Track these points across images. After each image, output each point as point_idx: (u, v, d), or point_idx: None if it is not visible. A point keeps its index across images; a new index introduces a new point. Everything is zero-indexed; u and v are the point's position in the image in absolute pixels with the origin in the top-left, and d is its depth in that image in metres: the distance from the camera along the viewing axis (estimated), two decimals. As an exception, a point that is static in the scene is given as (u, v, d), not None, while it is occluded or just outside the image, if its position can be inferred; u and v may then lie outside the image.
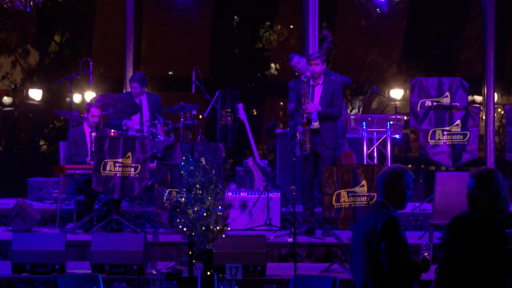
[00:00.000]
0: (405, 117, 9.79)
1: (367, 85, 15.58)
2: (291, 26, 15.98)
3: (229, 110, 10.33)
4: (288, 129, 9.78)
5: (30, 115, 15.27)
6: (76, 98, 14.41)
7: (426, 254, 4.86)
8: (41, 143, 15.34)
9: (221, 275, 5.22)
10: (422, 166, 14.74)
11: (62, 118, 14.23)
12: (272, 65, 16.13)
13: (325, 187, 8.07)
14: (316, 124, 8.72)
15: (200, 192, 5.00)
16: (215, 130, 10.20)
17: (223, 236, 5.05)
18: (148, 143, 8.74)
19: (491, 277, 4.63)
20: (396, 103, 10.98)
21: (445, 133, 9.34)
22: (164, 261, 7.99)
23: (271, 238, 8.45)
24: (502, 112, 14.15)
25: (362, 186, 7.96)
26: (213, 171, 5.12)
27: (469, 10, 14.85)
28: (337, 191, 8.01)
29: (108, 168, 8.66)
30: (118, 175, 8.66)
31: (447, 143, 9.34)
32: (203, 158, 5.11)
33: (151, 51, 15.16)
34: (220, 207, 5.03)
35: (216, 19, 15.26)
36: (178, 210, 5.07)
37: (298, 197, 8.91)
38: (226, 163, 12.97)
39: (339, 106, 8.81)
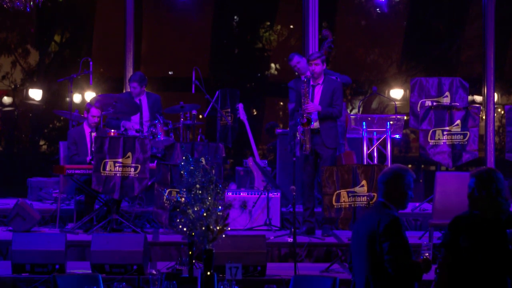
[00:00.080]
0: (405, 117, 9.79)
1: (367, 85, 15.58)
2: (291, 26, 15.98)
3: (229, 110, 10.33)
4: (288, 129, 9.78)
5: (30, 115, 15.27)
6: (76, 98, 14.41)
7: (427, 254, 4.86)
8: (41, 143, 15.34)
9: (221, 275, 5.22)
10: (422, 166, 14.74)
11: (62, 118, 14.23)
12: (272, 65, 16.13)
13: (325, 187, 8.07)
14: (316, 124, 8.72)
15: (200, 192, 5.00)
16: (215, 130, 10.20)
17: (223, 236, 5.05)
18: (148, 143, 8.74)
19: (491, 277, 4.63)
20: (396, 103, 10.99)
21: (445, 133, 9.34)
22: (164, 261, 7.99)
23: (271, 238, 8.45)
24: (502, 112, 14.15)
25: (362, 186, 7.97)
26: (213, 171, 5.12)
27: (469, 10, 14.85)
28: (337, 191, 8.02)
29: (108, 168, 8.66)
30: (118, 175, 8.66)
31: (447, 143, 9.34)
32: (203, 158, 5.11)
33: (151, 51, 15.16)
34: (220, 207, 5.03)
35: (216, 19, 15.26)
36: (178, 210, 5.07)
37: (298, 197, 8.91)
38: (226, 163, 12.97)
39: (339, 106, 8.80)
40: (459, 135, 9.33)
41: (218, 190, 5.06)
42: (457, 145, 9.33)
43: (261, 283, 6.71)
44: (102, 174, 8.65)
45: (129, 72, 11.33)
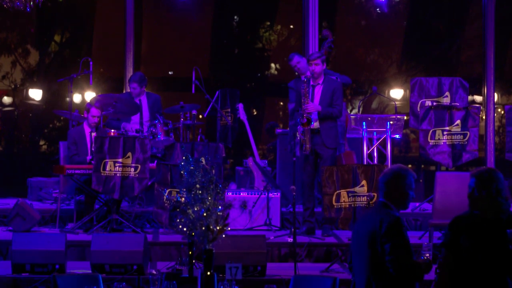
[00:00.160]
0: (405, 117, 9.78)
1: (367, 85, 15.58)
2: (291, 26, 15.98)
3: (229, 110, 10.33)
4: (288, 129, 9.78)
5: (30, 115, 15.27)
6: (76, 98, 14.41)
7: (428, 255, 4.87)
8: (41, 143, 15.34)
9: (221, 275, 5.22)
10: (422, 166, 14.74)
11: (62, 118, 14.23)
12: (272, 65, 16.13)
13: (325, 187, 8.06)
14: (316, 124, 8.72)
15: (200, 192, 5.00)
16: (215, 130, 10.20)
17: (223, 236, 5.05)
18: (148, 143, 8.74)
19: (491, 277, 4.63)
20: (396, 103, 10.98)
21: (445, 133, 9.34)
22: (164, 261, 7.99)
23: (271, 238, 8.45)
24: (502, 112, 14.15)
25: (362, 186, 7.96)
26: (213, 171, 5.12)
27: (469, 10, 14.85)
28: (337, 191, 8.01)
29: (108, 168, 8.66)
30: (118, 175, 8.66)
31: (447, 143, 9.34)
32: (203, 158, 5.11)
33: (151, 51, 15.16)
34: (220, 207, 5.03)
35: (216, 19, 15.26)
36: (178, 210, 5.07)
37: (298, 197, 8.91)
38: (226, 163, 12.97)
39: (339, 106, 8.80)
40: (459, 135, 9.32)
41: (218, 190, 5.06)
42: (457, 145, 9.33)
43: (261, 283, 6.70)
44: (102, 174, 8.65)
45: (129, 72, 11.33)
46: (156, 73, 15.25)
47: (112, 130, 9.10)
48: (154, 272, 5.51)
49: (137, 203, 9.77)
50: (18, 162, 14.48)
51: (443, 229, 8.47)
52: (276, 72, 16.08)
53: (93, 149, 8.80)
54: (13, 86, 15.05)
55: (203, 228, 4.96)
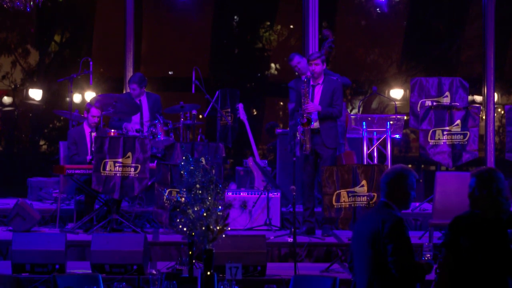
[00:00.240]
0: (405, 117, 9.78)
1: (367, 85, 15.58)
2: (291, 26, 15.98)
3: (229, 110, 10.33)
4: (288, 129, 9.78)
5: (30, 115, 15.27)
6: (76, 98, 14.41)
7: (429, 255, 4.87)
8: (41, 143, 15.34)
9: (221, 275, 5.22)
10: (422, 166, 14.74)
11: (62, 118, 14.23)
12: (272, 65, 16.12)
13: (325, 187, 8.06)
14: (316, 124, 8.72)
15: (200, 192, 5.00)
16: (215, 130, 10.20)
17: (223, 236, 5.05)
18: (148, 143, 8.73)
19: (492, 277, 4.62)
20: (396, 103, 10.98)
21: (445, 133, 9.34)
22: (164, 261, 7.99)
23: (271, 238, 8.45)
24: (502, 112, 14.15)
25: (362, 186, 7.96)
26: (213, 171, 5.12)
27: (469, 10, 14.85)
28: (337, 191, 8.01)
29: (108, 168, 8.66)
30: (118, 175, 8.66)
31: (447, 143, 9.33)
32: (203, 158, 5.11)
33: (151, 51, 15.15)
34: (220, 207, 5.03)
35: (216, 19, 15.25)
36: (178, 210, 5.07)
37: (298, 197, 8.91)
38: (226, 163, 12.97)
39: (339, 106, 8.80)
40: (459, 135, 9.32)
41: (218, 190, 5.06)
42: (457, 145, 9.33)
43: (261, 283, 6.70)
44: (102, 174, 8.65)
45: (129, 72, 11.33)
46: (156, 73, 15.25)
47: (112, 130, 9.10)
48: (154, 272, 5.51)
49: (137, 203, 9.77)
50: (18, 162, 14.48)
51: (443, 229, 8.47)
52: (276, 72, 16.08)
53: (93, 149, 8.80)
54: (13, 86, 15.05)
55: (203, 228, 4.96)
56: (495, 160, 11.43)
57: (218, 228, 4.99)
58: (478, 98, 13.96)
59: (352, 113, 10.95)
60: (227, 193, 9.26)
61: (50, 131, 15.36)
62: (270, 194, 9.31)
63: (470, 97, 13.00)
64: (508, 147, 9.59)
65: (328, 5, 13.53)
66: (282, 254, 8.29)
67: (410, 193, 4.89)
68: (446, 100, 9.88)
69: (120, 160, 8.67)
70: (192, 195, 5.01)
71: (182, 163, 5.09)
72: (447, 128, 9.34)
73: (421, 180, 13.07)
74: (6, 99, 15.09)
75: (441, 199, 8.36)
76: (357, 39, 15.74)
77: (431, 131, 9.34)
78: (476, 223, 4.68)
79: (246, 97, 12.10)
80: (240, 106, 10.40)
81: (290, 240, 8.19)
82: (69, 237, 7.75)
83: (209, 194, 5.01)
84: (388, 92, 14.89)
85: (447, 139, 9.33)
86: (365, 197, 7.89)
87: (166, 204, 8.33)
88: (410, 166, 14.50)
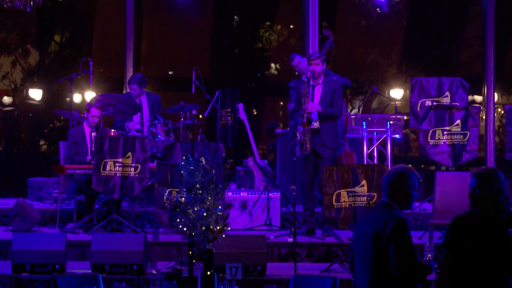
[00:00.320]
0: (405, 117, 9.78)
1: (367, 85, 15.58)
2: (291, 26, 15.98)
3: (229, 110, 10.33)
4: (288, 129, 9.78)
5: (30, 115, 15.27)
6: (76, 98, 14.41)
7: (430, 255, 4.88)
8: (41, 143, 15.34)
9: (221, 275, 5.22)
10: (422, 166, 14.74)
11: (62, 118, 14.23)
12: (272, 65, 16.12)
13: (325, 187, 8.06)
14: (316, 124, 8.72)
15: (200, 192, 5.00)
16: (215, 130, 10.20)
17: (223, 236, 5.04)
18: (148, 143, 8.73)
19: (492, 277, 4.62)
20: (396, 103, 10.99)
21: (445, 133, 9.34)
22: (164, 261, 7.99)
23: (271, 238, 8.45)
24: (502, 112, 14.15)
25: (362, 186, 7.96)
26: (213, 171, 5.12)
27: (469, 10, 14.85)
28: (337, 191, 8.01)
29: (108, 168, 8.66)
30: (118, 175, 8.66)
31: (447, 143, 9.33)
32: (203, 158, 5.11)
33: (151, 51, 15.15)
34: (220, 207, 5.03)
35: (216, 19, 15.25)
36: (178, 210, 5.06)
37: (298, 197, 8.91)
38: (226, 163, 12.97)
39: (339, 106, 8.80)
40: (459, 135, 9.32)
41: (218, 190, 5.05)
42: (457, 145, 9.33)
43: (261, 283, 6.70)
44: (102, 174, 8.65)
45: (129, 72, 11.33)
46: (156, 73, 15.25)
47: (112, 130, 9.10)
48: (154, 272, 5.52)
49: (137, 203, 9.77)
50: (18, 162, 14.48)
51: (443, 229, 8.47)
52: (276, 72, 16.08)
53: (93, 149, 8.80)
54: (13, 86, 15.05)
55: (203, 228, 4.96)
56: (495, 160, 11.43)
57: (218, 228, 4.99)
58: (478, 98, 13.96)
59: (352, 113, 10.95)
60: (227, 193, 9.26)
61: (50, 131, 15.36)
62: (270, 194, 9.31)
63: (470, 97, 13.00)
64: (508, 147, 9.59)
65: (328, 5, 13.53)
66: (282, 254, 8.29)
67: (411, 193, 4.89)
68: (446, 100, 9.89)
69: (120, 160, 8.67)
70: (192, 195, 5.00)
71: (182, 163, 5.09)
72: (447, 128, 9.34)
73: (421, 180, 13.03)
74: (6, 99, 15.09)
75: (441, 199, 8.36)
76: (357, 39, 15.74)
77: (431, 131, 9.34)
78: (477, 223, 4.68)
79: (246, 97, 12.10)
80: (240, 106, 10.40)
81: (290, 240, 8.19)
82: (69, 237, 7.75)
83: (209, 194, 5.01)
84: (388, 92, 14.89)
85: (447, 139, 9.33)
86: (365, 197, 7.89)
87: (166, 204, 8.33)
88: (410, 166, 14.50)
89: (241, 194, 9.40)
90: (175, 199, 5.10)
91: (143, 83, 9.99)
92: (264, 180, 9.93)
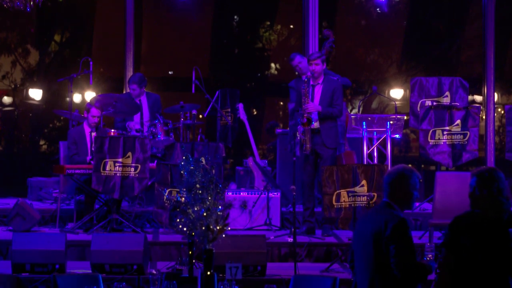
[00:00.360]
0: (405, 117, 9.78)
1: (367, 85, 15.58)
2: (291, 26, 15.98)
3: (229, 110, 10.33)
4: (288, 129, 9.78)
5: (30, 115, 15.27)
6: (76, 98, 14.41)
7: (430, 256, 4.88)
8: (41, 143, 15.34)
9: (221, 275, 5.22)
10: (422, 166, 14.74)
11: (62, 118, 14.23)
12: (272, 65, 16.13)
13: (325, 187, 8.06)
14: (316, 124, 8.72)
15: (200, 192, 5.00)
16: (215, 130, 10.20)
17: (223, 236, 5.05)
18: (148, 143, 8.73)
19: (492, 277, 4.62)
20: (396, 103, 10.98)
21: (445, 133, 9.34)
22: (164, 261, 7.99)
23: (271, 238, 8.45)
24: (502, 112, 14.15)
25: (362, 186, 7.96)
26: (213, 171, 5.12)
27: (469, 10, 14.85)
28: (337, 191, 8.01)
29: (108, 168, 8.66)
30: (118, 174, 8.66)
31: (447, 143, 9.33)
32: (203, 158, 5.11)
33: (151, 51, 15.16)
34: (220, 207, 5.03)
35: (216, 19, 15.26)
36: (178, 210, 5.06)
37: (298, 197, 8.91)
38: (226, 163, 12.96)
39: (339, 106, 8.80)
40: (459, 135, 9.32)
41: (218, 190, 5.05)
42: (457, 145, 9.33)
43: (261, 283, 6.70)
44: (102, 174, 8.65)
45: (129, 72, 11.33)
46: (156, 73, 15.25)
47: (112, 130, 9.10)
48: (154, 272, 5.51)
49: (137, 203, 9.77)
50: (18, 162, 14.48)
51: (443, 229, 8.47)
52: (276, 72, 16.08)
53: (93, 149, 8.80)
54: (13, 86, 15.06)
55: (203, 228, 4.96)
56: (495, 160, 11.43)
57: (218, 228, 4.99)
58: (478, 98, 13.96)
59: (352, 113, 10.96)
60: (227, 193, 9.26)
61: (50, 131, 15.36)
62: (270, 194, 9.31)
63: (470, 97, 13.00)
64: (508, 147, 9.59)
65: (328, 5, 13.53)
66: (282, 254, 8.29)
67: (412, 193, 4.89)
68: (446, 100, 9.88)
69: (120, 160, 8.67)
70: (192, 195, 5.00)
71: (182, 163, 5.09)
72: (447, 128, 9.34)
73: (421, 180, 13.07)
74: (6, 99, 15.09)
75: (441, 199, 8.36)
76: (357, 39, 15.74)
77: (431, 131, 9.34)
78: (477, 223, 4.68)
79: (246, 97, 12.10)
80: (240, 106, 10.40)
81: (290, 240, 8.19)
82: (69, 237, 7.75)
83: (209, 194, 5.01)
84: (388, 92, 14.89)
85: (447, 139, 9.33)
86: (365, 197, 7.88)
87: (166, 204, 8.33)
88: (410, 166, 14.49)
89: (241, 194, 9.40)
90: (175, 199, 5.10)
91: (143, 83, 9.99)
92: (264, 180, 9.93)
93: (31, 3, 10.04)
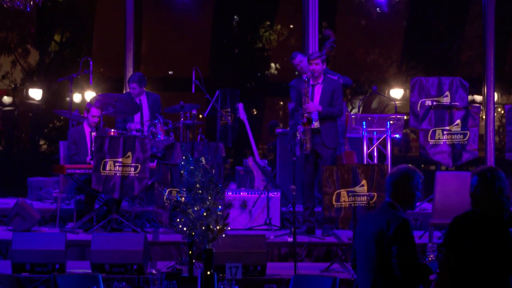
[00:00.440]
0: (405, 117, 9.78)
1: (367, 85, 15.58)
2: (291, 26, 15.99)
3: (229, 109, 10.33)
4: (288, 128, 9.78)
5: (30, 115, 15.28)
6: (76, 97, 14.42)
7: (432, 256, 4.87)
8: (41, 143, 15.34)
9: (221, 275, 5.22)
10: (422, 165, 14.73)
11: (62, 117, 14.24)
12: (272, 65, 16.13)
13: (325, 187, 8.06)
14: (316, 124, 8.72)
15: (200, 191, 5.00)
16: (215, 130, 10.20)
17: (223, 235, 5.05)
18: (148, 143, 8.73)
19: (492, 277, 4.62)
20: (396, 102, 10.99)
21: (445, 132, 9.34)
22: (164, 260, 7.99)
23: (271, 237, 8.45)
24: (502, 112, 14.15)
25: (362, 185, 7.96)
26: (213, 170, 5.12)
27: (469, 10, 14.86)
28: (337, 191, 8.01)
29: (108, 167, 8.66)
30: (118, 174, 8.66)
31: (447, 142, 9.33)
32: (203, 158, 5.11)
33: (151, 51, 15.16)
34: (220, 207, 5.03)
35: (216, 19, 15.26)
36: (178, 209, 5.06)
37: (298, 196, 8.91)
38: (226, 162, 12.97)
39: (339, 106, 8.80)
40: (459, 135, 9.32)
41: (218, 190, 5.06)
42: (457, 144, 9.33)
43: (261, 283, 6.69)
44: (102, 173, 8.65)
45: (129, 72, 11.33)
46: (156, 73, 15.25)
47: (112, 130, 9.10)
48: (154, 271, 5.52)
49: (137, 202, 9.77)
50: (18, 162, 14.48)
51: (443, 229, 8.47)
52: (276, 72, 16.09)
53: (93, 148, 8.80)
54: (13, 86, 15.06)
55: (203, 227, 4.96)
56: (495, 159, 11.42)
57: (218, 227, 4.99)
58: (478, 98, 13.97)
59: (352, 113, 10.96)
60: (227, 193, 9.26)
61: (50, 131, 15.37)
62: (270, 194, 9.31)
63: (470, 97, 13.01)
64: (508, 147, 9.59)
65: (328, 5, 13.53)
66: (282, 254, 8.29)
67: (415, 193, 4.89)
68: (446, 100, 9.88)
69: (120, 159, 8.67)
70: (192, 195, 5.01)
71: (182, 162, 5.10)
72: (447, 127, 9.34)
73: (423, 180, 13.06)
74: (6, 99, 15.10)
75: (441, 199, 8.36)
76: (357, 39, 15.74)
77: (431, 130, 9.34)
78: (477, 223, 4.68)
79: (246, 97, 12.10)
80: (240, 105, 10.39)
81: (290, 239, 8.19)
82: (69, 236, 7.75)
83: (209, 194, 5.01)
84: (388, 92, 14.90)
85: (447, 139, 9.33)
86: (365, 196, 7.88)
87: (166, 204, 8.32)
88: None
89: (241, 194, 9.40)
90: (175, 199, 5.10)
91: (143, 82, 9.99)
92: (264, 180, 9.93)
93: (31, 3, 10.05)
